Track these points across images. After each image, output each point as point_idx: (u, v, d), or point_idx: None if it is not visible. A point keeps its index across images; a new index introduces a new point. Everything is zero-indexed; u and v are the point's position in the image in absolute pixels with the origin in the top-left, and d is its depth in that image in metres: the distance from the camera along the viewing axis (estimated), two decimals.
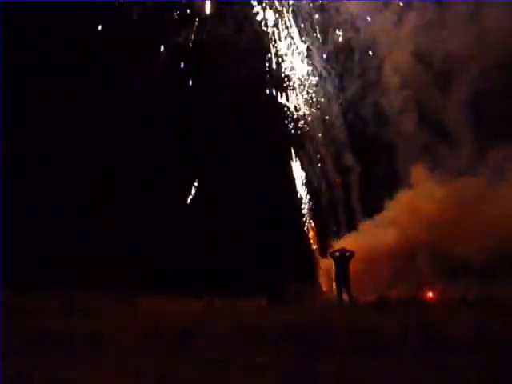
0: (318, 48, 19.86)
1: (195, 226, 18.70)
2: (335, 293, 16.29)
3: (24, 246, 16.41)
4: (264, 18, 19.81)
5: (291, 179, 19.86)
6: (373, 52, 19.24)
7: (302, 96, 20.08)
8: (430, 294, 16.99)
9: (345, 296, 15.66)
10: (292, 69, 20.10)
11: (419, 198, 17.96)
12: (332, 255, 16.59)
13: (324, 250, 18.93)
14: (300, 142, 20.10)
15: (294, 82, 20.10)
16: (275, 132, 19.65)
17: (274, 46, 19.95)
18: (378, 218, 18.71)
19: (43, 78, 17.64)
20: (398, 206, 18.41)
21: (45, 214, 17.33)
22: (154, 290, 15.35)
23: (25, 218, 16.88)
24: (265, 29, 19.85)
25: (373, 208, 18.75)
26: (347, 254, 16.13)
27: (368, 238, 17.91)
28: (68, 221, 17.58)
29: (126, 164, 18.49)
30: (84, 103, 18.06)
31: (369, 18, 18.74)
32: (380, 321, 10.21)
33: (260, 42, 19.71)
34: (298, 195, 19.90)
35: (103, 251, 17.09)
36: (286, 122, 19.99)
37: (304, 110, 20.08)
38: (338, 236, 18.83)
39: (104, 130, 18.21)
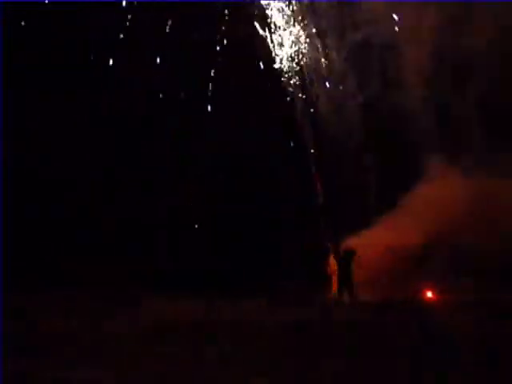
0: (337, 46, 19.66)
1: (195, 226, 18.69)
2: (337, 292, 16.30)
3: (24, 246, 16.39)
4: (276, 16, 19.70)
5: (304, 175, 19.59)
6: (392, 50, 19.05)
7: (319, 94, 19.92)
8: (430, 294, 16.95)
9: (346, 296, 15.68)
10: (310, 66, 19.97)
11: (435, 194, 17.77)
12: (334, 254, 16.63)
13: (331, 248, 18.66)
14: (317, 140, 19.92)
15: (311, 80, 19.97)
16: (279, 130, 19.56)
17: (289, 43, 19.82)
18: (393, 213, 18.47)
19: (43, 78, 17.64)
20: (414, 200, 18.20)
21: (45, 213, 17.31)
22: (154, 289, 15.33)
23: (25, 217, 16.87)
24: (277, 27, 19.75)
25: (388, 203, 18.54)
26: (349, 254, 16.19)
27: (381, 235, 17.76)
28: (68, 221, 17.56)
29: (126, 164, 18.47)
30: (84, 103, 18.05)
31: (389, 15, 18.52)
32: (380, 321, 10.22)
33: (273, 39, 19.64)
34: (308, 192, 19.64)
35: (103, 251, 17.07)
36: (304, 120, 19.89)
37: (321, 107, 19.93)
38: (351, 232, 18.52)
39: (104, 129, 18.20)
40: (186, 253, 17.73)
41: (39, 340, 8.11)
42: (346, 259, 16.09)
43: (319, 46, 19.89)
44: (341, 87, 19.79)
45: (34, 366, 6.48)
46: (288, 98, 19.84)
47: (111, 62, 18.36)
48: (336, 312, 13.08)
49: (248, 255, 17.89)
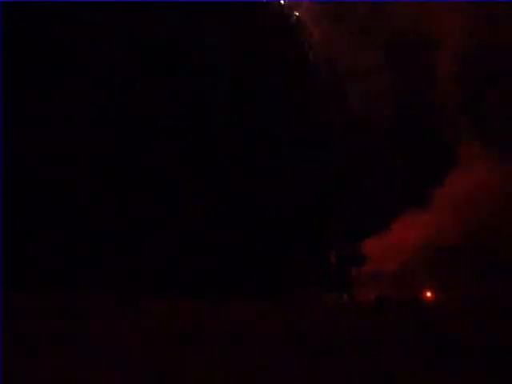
0: (370, 43, 19.57)
1: (196, 226, 18.66)
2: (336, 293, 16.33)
3: (24, 246, 16.39)
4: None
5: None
6: (426, 45, 19.00)
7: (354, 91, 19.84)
8: (429, 294, 16.95)
9: (345, 296, 15.73)
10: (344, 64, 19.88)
11: (469, 189, 17.52)
12: (334, 256, 16.70)
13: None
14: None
15: (343, 77, 19.88)
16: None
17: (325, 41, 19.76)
18: (425, 208, 18.26)
19: (43, 78, 17.63)
20: (448, 196, 17.97)
21: (45, 214, 17.30)
22: (154, 290, 15.33)
23: (25, 218, 16.86)
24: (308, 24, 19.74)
25: (421, 198, 18.43)
26: (349, 255, 16.27)
27: (413, 231, 17.55)
28: (68, 221, 17.55)
29: (126, 164, 18.45)
30: (84, 103, 18.04)
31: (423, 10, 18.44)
32: (380, 321, 10.24)
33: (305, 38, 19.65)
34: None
35: (103, 251, 17.06)
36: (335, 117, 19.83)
37: (356, 104, 19.83)
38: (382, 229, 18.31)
39: (104, 129, 18.18)
40: (185, 253, 17.72)
41: (39, 340, 8.11)
42: (347, 261, 16.16)
43: (352, 43, 19.80)
44: (373, 83, 19.72)
45: (34, 366, 6.48)
46: (320, 96, 19.82)
47: (112, 61, 18.35)
48: (335, 312, 13.08)
49: (249, 255, 17.89)
